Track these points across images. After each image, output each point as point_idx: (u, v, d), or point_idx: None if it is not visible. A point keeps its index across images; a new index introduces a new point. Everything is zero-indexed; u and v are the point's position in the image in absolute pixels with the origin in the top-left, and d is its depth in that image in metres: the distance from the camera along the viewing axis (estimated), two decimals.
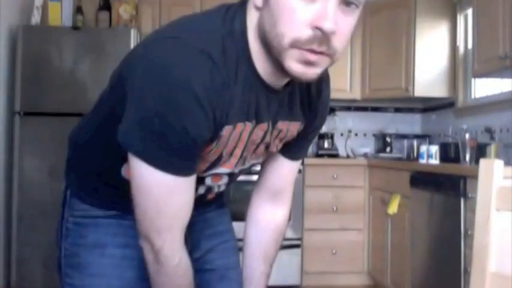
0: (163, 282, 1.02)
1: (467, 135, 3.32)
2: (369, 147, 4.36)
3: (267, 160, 1.23)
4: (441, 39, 3.84)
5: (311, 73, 0.92)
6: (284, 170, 1.26)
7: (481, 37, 2.97)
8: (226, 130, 0.97)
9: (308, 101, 1.13)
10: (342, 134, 4.41)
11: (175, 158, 0.92)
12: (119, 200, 1.09)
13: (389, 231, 3.37)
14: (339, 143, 4.27)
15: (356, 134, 4.45)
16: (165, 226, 0.98)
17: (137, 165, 0.93)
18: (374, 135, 4.44)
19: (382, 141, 4.27)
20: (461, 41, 3.78)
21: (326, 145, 4.17)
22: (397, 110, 4.48)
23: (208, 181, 1.10)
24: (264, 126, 1.03)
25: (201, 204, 1.15)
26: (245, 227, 1.31)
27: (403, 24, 3.89)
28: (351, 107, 4.43)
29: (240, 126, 0.98)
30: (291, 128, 1.11)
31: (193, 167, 0.97)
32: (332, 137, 4.21)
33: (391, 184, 3.34)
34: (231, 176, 1.13)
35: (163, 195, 0.95)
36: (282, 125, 1.08)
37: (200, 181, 1.07)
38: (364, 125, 4.47)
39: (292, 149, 1.21)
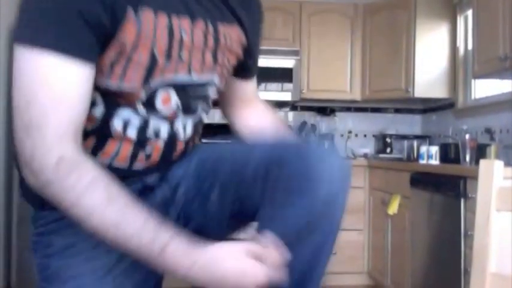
0: (74, 207, 0.86)
1: (467, 136, 3.32)
2: (369, 148, 4.36)
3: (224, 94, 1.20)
4: (441, 40, 3.85)
5: None
6: (244, 92, 1.23)
7: (481, 38, 2.97)
8: (145, 15, 0.88)
9: None
10: (342, 135, 4.41)
11: (60, 31, 0.82)
12: None
13: (390, 231, 3.37)
14: (339, 143, 4.28)
15: (356, 135, 4.45)
16: (37, 122, 0.86)
17: (22, 57, 0.86)
18: (374, 136, 4.44)
19: (382, 141, 4.28)
20: (461, 42, 3.78)
21: (326, 146, 4.17)
22: (397, 110, 4.48)
23: (158, 104, 0.98)
24: (200, 25, 0.96)
25: (170, 161, 1.06)
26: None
27: (403, 25, 3.89)
28: (351, 107, 4.43)
29: (163, 17, 0.90)
30: (232, 33, 1.04)
31: (84, 48, 0.84)
32: (332, 137, 4.21)
33: (391, 185, 3.34)
34: (187, 98, 1.02)
35: (51, 82, 0.83)
36: (223, 29, 1.01)
37: (150, 107, 0.97)
38: (364, 126, 4.47)
39: (240, 68, 1.15)
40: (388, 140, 4.24)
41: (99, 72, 0.90)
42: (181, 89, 1.00)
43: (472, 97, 3.71)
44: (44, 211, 1.05)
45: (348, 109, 4.45)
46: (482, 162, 1.23)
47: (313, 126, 4.27)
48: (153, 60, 0.92)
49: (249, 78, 1.23)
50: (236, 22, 1.06)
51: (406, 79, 3.86)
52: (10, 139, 3.35)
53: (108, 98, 0.95)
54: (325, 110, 4.32)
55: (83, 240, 1.03)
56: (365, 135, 4.47)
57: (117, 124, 0.98)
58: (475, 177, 2.21)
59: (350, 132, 4.44)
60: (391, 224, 3.34)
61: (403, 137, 4.24)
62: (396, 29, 3.94)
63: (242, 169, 1.02)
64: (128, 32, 0.87)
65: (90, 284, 1.04)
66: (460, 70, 3.78)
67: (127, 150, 1.01)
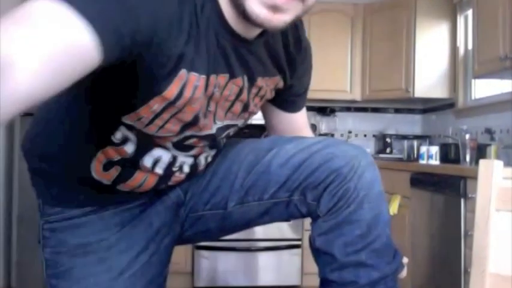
0: None
1: (467, 136, 3.32)
2: (369, 148, 4.36)
3: (268, 120, 1.21)
4: (441, 40, 3.84)
5: (277, 20, 0.81)
6: (291, 122, 1.21)
7: (481, 38, 2.97)
8: (191, 78, 0.85)
9: (286, 54, 1.04)
10: (342, 135, 4.41)
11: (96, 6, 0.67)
12: (94, 196, 1.04)
13: None
14: None
15: (356, 135, 4.45)
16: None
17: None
18: (374, 136, 4.44)
19: (382, 141, 4.27)
20: (461, 42, 3.78)
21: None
22: (397, 110, 4.48)
23: (188, 146, 1.00)
24: (238, 81, 0.95)
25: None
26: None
27: (403, 24, 3.89)
28: (351, 107, 4.43)
29: (199, 78, 0.86)
30: (270, 83, 1.04)
31: (108, 32, 0.67)
32: (332, 137, 4.22)
33: (392, 184, 3.34)
34: (213, 140, 1.03)
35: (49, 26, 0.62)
36: (261, 81, 1.01)
37: (181, 148, 0.99)
38: (364, 126, 4.47)
39: (285, 102, 1.17)
40: (388, 140, 4.24)
41: (137, 119, 0.90)
42: (210, 137, 1.02)
43: (472, 97, 3.71)
44: (59, 207, 1.07)
45: (348, 109, 4.44)
46: (481, 162, 1.23)
47: (313, 126, 4.27)
48: (195, 119, 0.93)
49: (293, 111, 1.21)
50: (278, 74, 1.05)
51: (406, 79, 3.86)
52: (10, 140, 3.35)
53: (142, 139, 0.96)
54: (325, 110, 4.31)
55: (99, 241, 1.06)
56: (365, 135, 4.47)
57: (147, 161, 1.00)
58: (475, 177, 2.21)
59: (350, 132, 4.44)
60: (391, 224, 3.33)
61: (403, 137, 4.23)
62: (396, 28, 3.93)
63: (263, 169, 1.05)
64: (171, 91, 0.85)
65: (102, 284, 1.06)
66: (460, 70, 3.78)
67: (152, 182, 1.04)
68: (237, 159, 1.09)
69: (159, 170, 1.01)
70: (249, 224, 1.13)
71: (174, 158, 1.02)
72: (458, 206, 2.34)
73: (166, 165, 1.02)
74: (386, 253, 1.01)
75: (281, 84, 1.08)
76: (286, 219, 1.13)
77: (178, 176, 1.06)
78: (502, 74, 2.86)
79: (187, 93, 0.86)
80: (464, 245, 2.31)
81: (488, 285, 1.14)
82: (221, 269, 3.56)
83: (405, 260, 1.08)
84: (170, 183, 1.06)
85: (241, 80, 0.95)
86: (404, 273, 1.07)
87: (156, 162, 1.00)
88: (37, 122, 1.06)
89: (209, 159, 1.10)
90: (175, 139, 0.97)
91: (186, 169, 1.05)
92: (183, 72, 0.83)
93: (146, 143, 0.97)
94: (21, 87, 0.59)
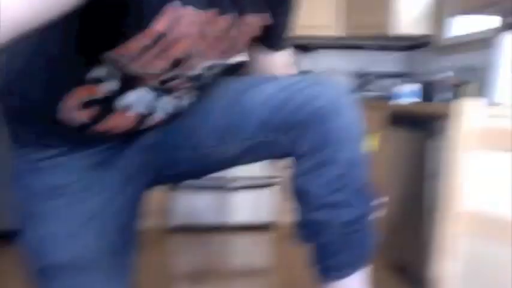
0: None
1: (447, 74, 3.30)
2: (349, 86, 4.33)
3: (251, 60, 1.18)
4: None
5: None
6: (276, 62, 1.20)
7: None
8: (186, 11, 0.82)
9: None
10: (322, 73, 4.36)
11: None
12: (67, 137, 1.01)
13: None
14: None
15: (336, 73, 4.41)
16: None
17: None
18: (354, 73, 4.41)
19: (363, 79, 4.25)
20: None
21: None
22: (379, 48, 4.42)
23: (173, 87, 0.98)
24: (228, 17, 0.92)
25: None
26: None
27: None
28: (331, 44, 4.37)
29: (190, 11, 0.84)
30: (258, 20, 1.02)
31: None
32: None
33: (372, 123, 3.33)
34: (199, 80, 1.01)
35: None
36: (251, 18, 0.98)
37: (165, 88, 0.97)
38: (344, 63, 4.42)
39: (270, 39, 1.14)
40: (368, 77, 4.22)
41: (121, 54, 0.86)
42: (196, 77, 0.99)
43: (454, 34, 3.67)
44: (36, 146, 1.03)
45: (328, 46, 4.38)
46: (460, 101, 1.21)
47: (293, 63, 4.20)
48: (186, 57, 0.89)
49: (277, 49, 1.19)
50: (267, 10, 1.02)
51: (387, 16, 3.79)
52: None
53: (126, 77, 0.92)
54: (305, 46, 4.25)
55: (69, 184, 1.04)
56: (345, 73, 4.43)
57: (129, 101, 0.96)
58: (455, 116, 2.21)
59: (330, 69, 4.39)
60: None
61: (384, 75, 4.21)
62: None
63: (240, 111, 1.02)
64: (162, 24, 0.82)
65: (72, 228, 1.04)
66: (442, 7, 3.71)
67: (131, 123, 1.00)
68: (216, 98, 1.06)
69: (140, 110, 0.98)
70: (228, 164, 1.13)
71: (157, 99, 0.99)
72: (434, 144, 2.36)
73: (148, 106, 0.99)
74: (365, 193, 1.03)
75: (269, 21, 1.05)
76: (267, 159, 1.13)
77: (158, 118, 1.02)
78: (485, 10, 2.81)
79: (179, 27, 0.83)
80: (440, 183, 2.33)
81: (459, 224, 1.15)
82: (196, 207, 3.59)
83: (383, 199, 1.09)
84: (149, 124, 1.03)
85: (231, 17, 0.92)
86: (382, 212, 1.09)
87: (138, 102, 0.97)
88: (13, 57, 0.99)
89: (194, 98, 1.07)
90: (161, 78, 0.94)
91: (169, 111, 1.02)
92: (176, 4, 0.81)
93: (130, 81, 0.93)
94: (7, 13, 0.56)
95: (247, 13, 0.95)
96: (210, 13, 0.86)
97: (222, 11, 0.89)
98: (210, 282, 2.67)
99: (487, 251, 2.21)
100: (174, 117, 1.06)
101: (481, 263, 2.22)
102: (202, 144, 1.06)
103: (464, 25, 3.55)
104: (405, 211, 2.77)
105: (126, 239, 1.10)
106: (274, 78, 1.06)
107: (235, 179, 3.62)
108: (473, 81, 3.09)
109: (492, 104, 2.18)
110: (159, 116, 1.02)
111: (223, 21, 0.91)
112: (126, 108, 0.97)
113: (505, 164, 2.26)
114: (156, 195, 3.45)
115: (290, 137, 1.00)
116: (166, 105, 1.01)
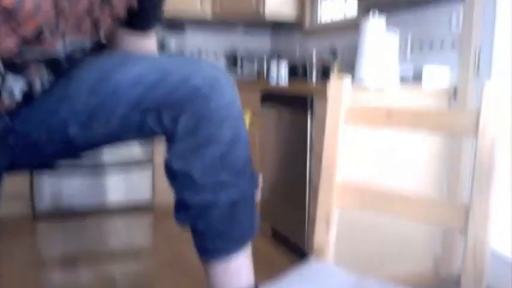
0: None
1: (314, 55, 3.45)
2: None
3: (115, 43, 1.12)
4: None
5: None
6: (141, 46, 1.14)
7: None
8: None
9: None
10: (192, 53, 4.33)
11: None
12: None
13: None
14: None
15: (206, 53, 4.41)
16: None
17: None
18: (224, 54, 4.43)
19: (232, 60, 4.29)
20: None
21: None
22: (248, 29, 4.49)
23: (23, 69, 0.90)
24: None
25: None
26: None
27: None
28: (200, 24, 4.34)
29: None
30: (123, 1, 0.98)
31: None
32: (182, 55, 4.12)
33: (242, 103, 3.38)
34: (55, 61, 0.94)
35: None
36: (116, 0, 0.94)
37: (14, 68, 0.88)
38: (214, 44, 4.43)
39: (136, 21, 1.09)
40: (238, 58, 4.26)
41: None
42: (53, 61, 0.90)
43: (319, 18, 3.84)
44: None
45: (198, 26, 4.35)
46: (332, 79, 1.27)
47: (162, 44, 4.12)
48: (38, 35, 0.80)
49: (143, 31, 1.12)
50: None
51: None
52: None
53: None
54: (174, 26, 4.17)
55: None
56: (215, 54, 4.45)
57: None
58: (321, 95, 2.32)
59: (200, 50, 4.37)
60: None
61: (253, 56, 4.29)
62: None
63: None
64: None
65: None
66: None
67: None
68: (78, 78, 0.97)
69: None
70: (95, 148, 1.05)
71: (3, 79, 0.89)
72: (306, 122, 2.45)
73: None
74: (246, 172, 1.01)
75: (134, 2, 1.01)
76: (140, 140, 1.08)
77: (8, 100, 0.92)
78: None
79: (29, 4, 0.75)
80: (310, 158, 2.45)
81: (335, 195, 1.21)
82: (65, 191, 3.41)
83: (260, 178, 1.10)
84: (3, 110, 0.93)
85: None
86: (259, 194, 1.09)
87: None
88: None
89: (46, 84, 0.97)
90: (11, 55, 0.85)
91: (17, 94, 0.93)
92: None
93: None
94: None
95: None
96: None
97: None
98: (87, 267, 2.56)
99: (360, 219, 2.37)
100: (28, 99, 0.96)
101: (354, 230, 2.38)
102: (67, 128, 0.96)
103: (330, 8, 3.73)
104: (288, 184, 2.86)
105: None
106: (145, 57, 0.99)
107: (108, 160, 3.49)
108: (338, 62, 3.27)
109: (357, 83, 2.33)
110: (8, 101, 0.93)
111: (86, 1, 0.86)
112: None
113: (370, 138, 2.43)
114: (18, 180, 3.21)
115: (166, 117, 0.95)
116: (13, 88, 0.92)
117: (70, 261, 2.65)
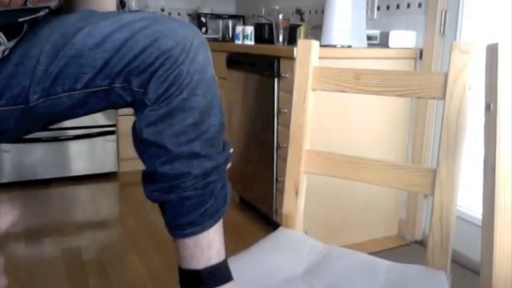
0: None
1: (280, 16, 3.39)
2: None
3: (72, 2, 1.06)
4: None
5: None
6: (100, 4, 1.08)
7: None
8: None
9: None
10: (154, 13, 4.21)
11: None
12: None
13: None
14: None
15: (170, 13, 4.29)
16: None
17: None
18: (189, 14, 4.32)
19: (197, 21, 4.19)
20: None
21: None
22: None
23: None
24: None
25: None
26: None
27: None
28: None
29: None
30: None
31: None
32: None
33: None
34: (12, 26, 0.87)
35: None
36: None
37: None
38: (177, 4, 4.31)
39: None
40: (203, 19, 4.17)
41: None
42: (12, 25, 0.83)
43: None
44: None
45: None
46: (300, 42, 1.23)
47: (122, 3, 3.98)
48: None
49: None
50: None
51: None
52: None
53: None
54: None
55: None
56: (179, 14, 4.33)
57: None
58: (288, 57, 2.29)
59: (163, 10, 4.25)
60: None
61: (218, 17, 4.20)
62: None
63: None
64: None
65: None
66: None
67: None
68: (37, 40, 0.89)
69: None
70: (59, 119, 0.96)
71: None
72: (272, 85, 2.42)
73: None
74: (218, 141, 0.96)
75: None
76: (107, 109, 1.00)
77: None
78: None
79: None
80: (277, 122, 2.43)
81: (303, 160, 1.20)
82: (27, 161, 3.32)
83: (231, 148, 1.05)
84: None
85: None
86: (229, 163, 1.04)
87: None
88: None
89: (6, 52, 0.89)
90: None
91: None
92: None
93: None
94: None
95: None
96: None
97: None
98: (51, 238, 2.52)
99: (325, 186, 2.38)
100: None
101: (319, 197, 2.39)
102: (27, 96, 0.88)
103: None
104: (255, 151, 2.84)
105: None
106: (108, 14, 0.90)
107: (70, 129, 3.41)
108: (301, 24, 3.23)
109: (325, 45, 2.30)
110: None
111: None
112: None
113: (336, 101, 2.42)
114: None
115: (135, 82, 0.88)
116: None
117: (34, 232, 2.60)
